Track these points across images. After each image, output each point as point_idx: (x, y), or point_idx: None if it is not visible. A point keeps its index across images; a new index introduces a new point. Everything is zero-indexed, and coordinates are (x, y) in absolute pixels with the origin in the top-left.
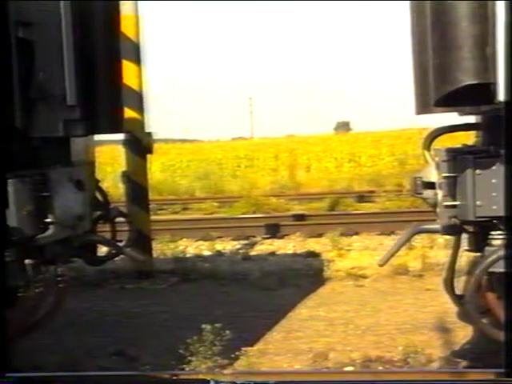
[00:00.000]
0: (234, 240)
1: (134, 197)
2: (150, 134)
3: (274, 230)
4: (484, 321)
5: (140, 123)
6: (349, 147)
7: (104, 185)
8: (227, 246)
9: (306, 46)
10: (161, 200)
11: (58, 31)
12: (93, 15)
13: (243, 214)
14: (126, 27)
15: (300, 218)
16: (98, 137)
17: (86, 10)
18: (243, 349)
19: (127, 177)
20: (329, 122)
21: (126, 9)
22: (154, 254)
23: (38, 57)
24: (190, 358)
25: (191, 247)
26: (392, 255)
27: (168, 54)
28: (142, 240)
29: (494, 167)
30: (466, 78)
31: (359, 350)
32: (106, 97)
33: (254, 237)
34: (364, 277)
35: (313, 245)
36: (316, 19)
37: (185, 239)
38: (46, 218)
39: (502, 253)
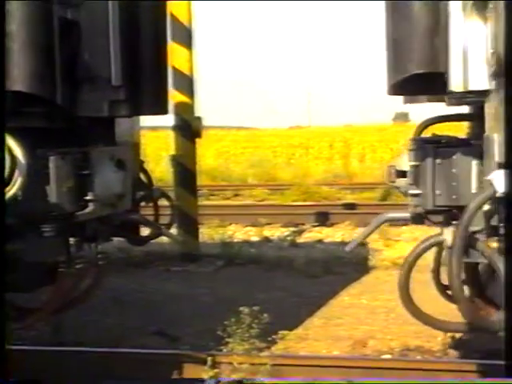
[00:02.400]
0: (282, 227)
1: (182, 180)
2: (199, 118)
3: (323, 219)
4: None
5: (190, 107)
6: (405, 138)
7: (157, 169)
8: (275, 232)
9: (366, 36)
10: (213, 186)
11: (104, 12)
12: None
13: (294, 201)
14: (179, 11)
15: (351, 207)
16: (153, 121)
17: None
18: (282, 333)
19: (176, 160)
20: (388, 112)
21: None
22: (203, 238)
23: (85, 37)
24: (228, 339)
25: (239, 233)
26: (359, 242)
27: (225, 41)
28: (188, 223)
29: (454, 157)
30: (415, 67)
31: (399, 338)
32: (151, 78)
33: (302, 224)
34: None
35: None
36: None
37: (234, 225)
38: (86, 195)
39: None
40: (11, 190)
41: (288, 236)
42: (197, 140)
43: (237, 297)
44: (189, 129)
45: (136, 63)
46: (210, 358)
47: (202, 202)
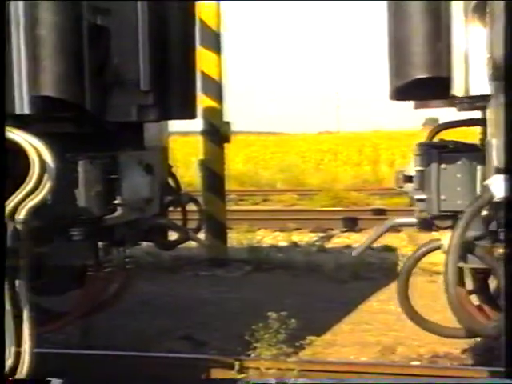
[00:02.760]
0: (311, 232)
1: (210, 185)
2: (227, 123)
3: (351, 224)
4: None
5: (218, 112)
6: None
7: (187, 174)
8: (304, 237)
9: None
10: (242, 191)
11: (133, 17)
12: (169, 2)
13: (322, 206)
14: (207, 16)
15: (379, 212)
16: (182, 126)
17: None
18: (309, 338)
19: (204, 165)
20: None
21: None
22: (231, 243)
23: (114, 42)
24: (255, 344)
25: (268, 238)
26: (366, 247)
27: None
28: (216, 228)
29: (459, 162)
30: (416, 72)
31: (427, 345)
32: (179, 83)
33: (331, 230)
34: (438, 273)
35: (390, 239)
36: None
37: (262, 230)
38: (115, 199)
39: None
40: (40, 194)
41: (316, 241)
42: (225, 145)
43: (264, 302)
44: (217, 134)
45: (164, 68)
46: (237, 363)
47: (230, 207)
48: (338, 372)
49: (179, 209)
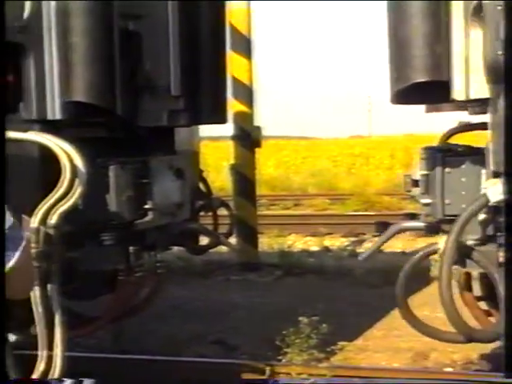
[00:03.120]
0: (342, 237)
1: (241, 190)
2: (258, 127)
3: (383, 229)
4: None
5: (249, 117)
6: None
7: (218, 178)
8: (335, 242)
9: None
10: (273, 195)
11: (164, 22)
12: (199, 7)
13: (354, 211)
14: (238, 21)
15: (412, 217)
16: (213, 131)
17: (193, 2)
18: (341, 344)
19: (235, 170)
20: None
21: (237, 2)
22: (262, 248)
23: (145, 48)
24: (286, 349)
25: (299, 242)
26: (374, 251)
27: (285, 49)
28: (247, 233)
29: (463, 166)
30: (416, 75)
31: (461, 351)
32: (210, 88)
33: (363, 234)
34: None
35: (423, 244)
36: None
37: (294, 234)
38: (146, 204)
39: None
40: (71, 199)
41: (348, 246)
42: (256, 150)
43: (296, 306)
44: (248, 138)
45: (195, 73)
46: (268, 368)
47: (261, 211)
48: (369, 378)
49: (210, 213)
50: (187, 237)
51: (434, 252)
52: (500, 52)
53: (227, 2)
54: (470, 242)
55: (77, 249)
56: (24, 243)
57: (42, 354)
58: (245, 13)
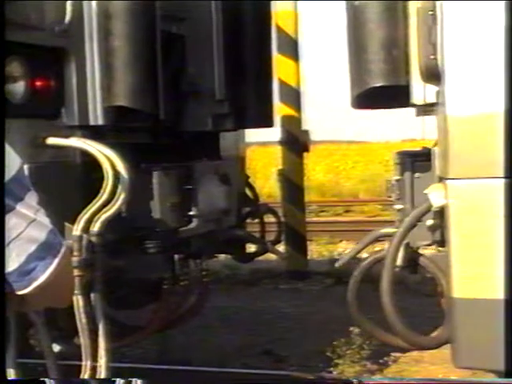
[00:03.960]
0: None
1: (289, 196)
2: (306, 131)
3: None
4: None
5: (297, 121)
6: None
7: (266, 184)
8: None
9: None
10: (323, 201)
11: (208, 26)
12: (244, 9)
13: None
14: (284, 23)
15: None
16: (261, 136)
17: (238, 4)
18: (394, 355)
19: (283, 175)
20: None
21: (284, 3)
22: (311, 256)
23: (188, 51)
24: (337, 361)
25: (350, 250)
26: (350, 258)
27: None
28: (296, 240)
29: (431, 171)
30: (373, 80)
31: None
32: (255, 91)
33: None
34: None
35: None
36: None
37: (344, 241)
38: (190, 210)
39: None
40: (115, 206)
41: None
42: (305, 154)
43: (347, 316)
44: (296, 143)
45: (241, 76)
46: (319, 380)
47: (311, 218)
48: None
49: (257, 220)
50: (234, 244)
51: (384, 257)
52: (433, 56)
53: (273, 3)
54: (418, 247)
55: (120, 257)
56: (63, 250)
57: (86, 364)
58: (291, 14)
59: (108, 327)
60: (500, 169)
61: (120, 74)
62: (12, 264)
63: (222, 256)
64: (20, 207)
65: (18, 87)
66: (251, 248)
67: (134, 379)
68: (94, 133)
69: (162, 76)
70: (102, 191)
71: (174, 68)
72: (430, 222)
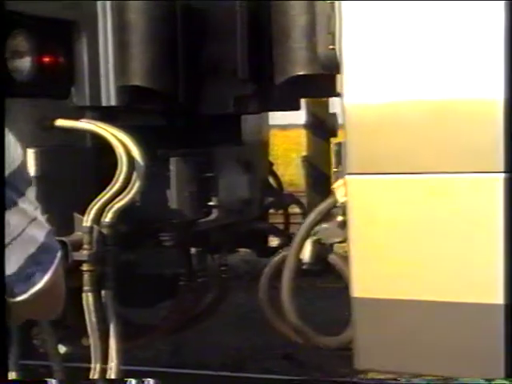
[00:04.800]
0: None
1: (315, 185)
2: (334, 114)
3: None
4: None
5: (324, 103)
6: None
7: (287, 172)
8: None
9: None
10: None
11: (230, 1)
12: None
13: None
14: None
15: None
16: (281, 119)
17: None
18: None
19: (308, 162)
20: None
21: None
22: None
23: (209, 28)
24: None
25: None
26: None
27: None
28: None
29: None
30: (294, 68)
31: None
32: None
33: None
34: None
35: None
36: None
37: None
38: (210, 200)
39: None
40: (129, 195)
41: None
42: (332, 139)
43: None
44: (323, 127)
45: (265, 54)
46: None
47: None
48: None
49: (281, 211)
50: (255, 237)
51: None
52: (331, 46)
53: None
54: (331, 244)
55: (133, 250)
56: (59, 253)
57: (95, 367)
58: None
59: (119, 327)
60: (398, 164)
61: (135, 51)
62: (11, 266)
63: (242, 250)
64: (22, 203)
65: (24, 63)
66: (274, 241)
67: (146, 379)
68: (107, 115)
69: (180, 53)
70: (115, 179)
71: (193, 45)
72: (340, 218)
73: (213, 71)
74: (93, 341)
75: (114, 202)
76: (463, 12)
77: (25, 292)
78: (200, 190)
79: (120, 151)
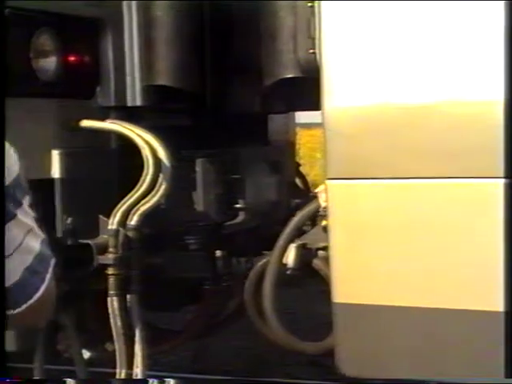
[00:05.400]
0: None
1: None
2: None
3: None
4: None
5: None
6: None
7: (312, 172)
8: None
9: None
10: None
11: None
12: None
13: None
14: None
15: None
16: (305, 118)
17: None
18: None
19: None
20: None
21: None
22: None
23: (236, 24)
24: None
25: None
26: None
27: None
28: None
29: None
30: (282, 71)
31: None
32: None
33: None
34: None
35: None
36: None
37: None
38: (237, 203)
39: None
40: (155, 197)
41: None
42: None
43: None
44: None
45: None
46: None
47: None
48: None
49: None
50: None
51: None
52: (312, 50)
53: None
54: (316, 248)
55: (157, 254)
56: (53, 261)
57: (121, 372)
58: None
59: (145, 332)
60: (377, 169)
61: (162, 50)
62: (10, 279)
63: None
64: (20, 214)
65: (49, 63)
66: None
67: (167, 379)
68: (132, 115)
69: (208, 52)
70: (141, 181)
71: (221, 43)
72: (323, 223)
73: (240, 70)
74: (118, 346)
75: (140, 204)
76: (457, 11)
77: (24, 303)
78: (226, 191)
79: (146, 152)
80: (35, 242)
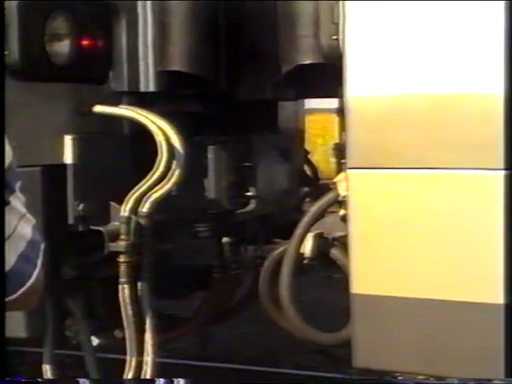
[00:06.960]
0: None
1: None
2: None
3: None
4: None
5: None
6: None
7: (313, 158)
8: None
9: None
10: None
11: None
12: None
13: None
14: None
15: None
16: (307, 104)
17: None
18: None
19: (339, 150)
20: None
21: None
22: None
23: (249, 11)
24: None
25: None
26: None
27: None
28: None
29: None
30: (301, 57)
31: None
32: None
33: None
34: None
35: None
36: None
37: None
38: (248, 190)
39: None
40: (168, 184)
41: None
42: None
43: None
44: None
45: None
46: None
47: None
48: None
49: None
50: (292, 229)
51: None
52: (335, 36)
53: None
54: (333, 238)
55: (168, 241)
56: (43, 246)
57: (131, 359)
58: None
59: (155, 320)
60: (399, 158)
61: (176, 35)
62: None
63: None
64: (13, 201)
65: (63, 46)
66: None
67: (176, 379)
68: (144, 100)
69: (221, 38)
70: (154, 167)
71: (235, 29)
72: (342, 212)
73: (254, 56)
74: (128, 333)
75: (153, 191)
76: (466, 8)
77: (17, 290)
78: (238, 179)
79: (160, 139)
80: (27, 228)
